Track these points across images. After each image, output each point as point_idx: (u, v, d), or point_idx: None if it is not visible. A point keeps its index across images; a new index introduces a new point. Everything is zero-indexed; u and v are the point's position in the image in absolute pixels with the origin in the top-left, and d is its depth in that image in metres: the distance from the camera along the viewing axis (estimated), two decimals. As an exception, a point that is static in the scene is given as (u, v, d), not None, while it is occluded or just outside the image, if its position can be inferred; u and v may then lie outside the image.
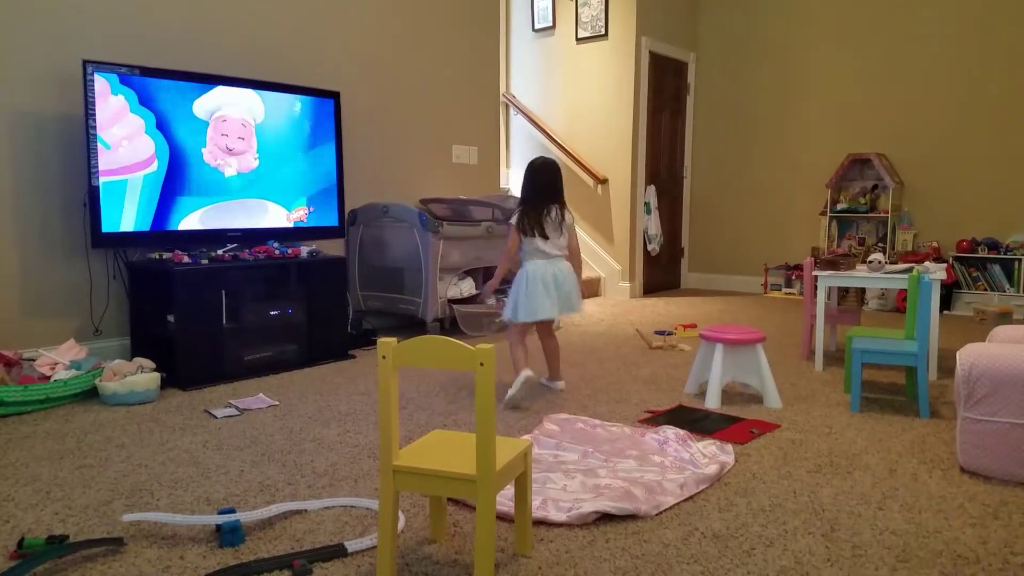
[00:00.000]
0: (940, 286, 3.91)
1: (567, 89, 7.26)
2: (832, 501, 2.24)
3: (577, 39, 7.13)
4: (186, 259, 3.68)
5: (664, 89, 7.25)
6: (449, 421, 3.04)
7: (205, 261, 3.71)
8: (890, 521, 2.10)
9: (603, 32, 6.93)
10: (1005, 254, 5.88)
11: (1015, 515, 2.14)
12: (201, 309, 3.62)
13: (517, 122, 7.63)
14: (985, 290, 5.97)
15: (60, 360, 3.38)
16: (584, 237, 7.21)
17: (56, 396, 3.22)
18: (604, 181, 6.98)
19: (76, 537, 1.98)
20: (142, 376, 3.32)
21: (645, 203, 7.04)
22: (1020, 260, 5.78)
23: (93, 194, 3.51)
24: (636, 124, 6.87)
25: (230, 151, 3.96)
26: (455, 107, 5.70)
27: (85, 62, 3.45)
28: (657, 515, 2.12)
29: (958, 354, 2.48)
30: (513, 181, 7.66)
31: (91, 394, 3.35)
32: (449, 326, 4.85)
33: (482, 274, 5.06)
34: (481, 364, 1.61)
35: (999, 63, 5.98)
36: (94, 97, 3.46)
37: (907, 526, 2.06)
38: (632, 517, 2.10)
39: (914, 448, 2.72)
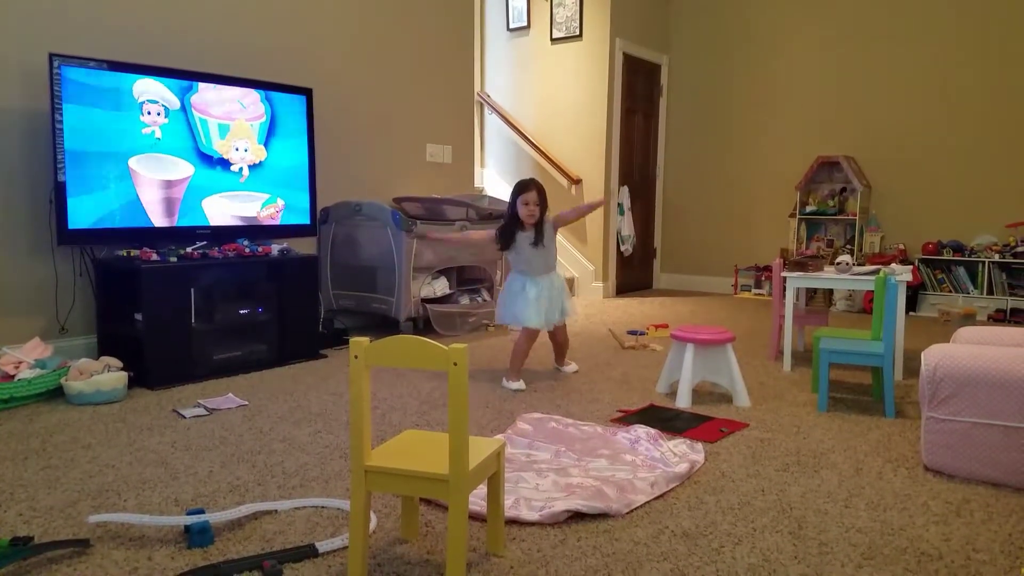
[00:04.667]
0: (906, 288, 3.98)
1: (541, 89, 7.27)
2: (800, 499, 2.27)
3: (552, 39, 7.15)
4: (154, 257, 3.62)
5: (637, 91, 7.30)
6: (422, 421, 3.04)
7: (174, 259, 3.66)
8: (856, 519, 2.13)
9: (578, 33, 6.96)
10: (969, 257, 6.00)
11: (977, 513, 2.19)
12: (169, 308, 3.58)
13: (492, 121, 7.63)
14: (950, 292, 6.09)
15: (24, 359, 3.31)
16: (558, 238, 7.21)
17: (20, 395, 3.16)
18: (578, 181, 7.00)
19: (41, 538, 1.95)
20: (109, 375, 3.27)
21: (618, 204, 7.08)
22: (984, 263, 5.90)
23: (59, 190, 3.45)
24: (610, 125, 6.90)
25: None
26: (429, 105, 5.68)
27: (51, 55, 3.38)
28: (628, 513, 2.14)
29: (923, 355, 2.53)
30: (487, 180, 7.66)
31: (56, 393, 3.29)
32: (423, 326, 4.84)
33: (455, 274, 5.06)
34: (455, 364, 1.61)
35: (967, 69, 6.10)
36: (61, 91, 3.40)
37: (872, 524, 2.10)
38: (603, 516, 2.11)
39: (880, 447, 2.76)
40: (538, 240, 3.67)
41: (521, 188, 3.66)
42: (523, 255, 3.70)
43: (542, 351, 4.28)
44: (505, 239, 3.69)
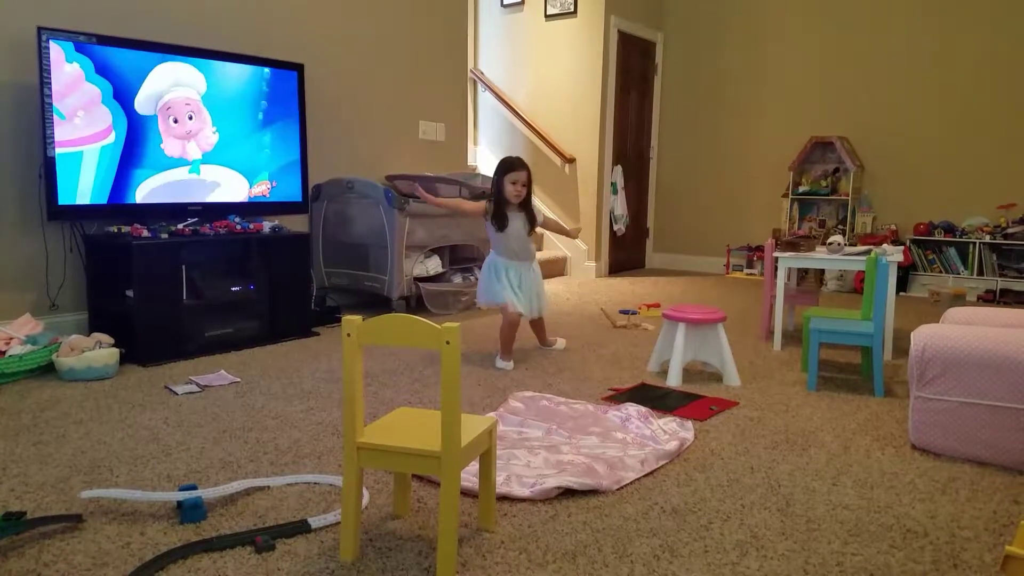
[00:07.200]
0: (897, 268, 4.00)
1: (535, 67, 7.22)
2: (788, 477, 2.29)
3: (546, 16, 7.09)
4: (145, 233, 3.60)
5: (632, 69, 7.25)
6: (414, 399, 3.05)
7: (165, 235, 3.64)
8: (843, 496, 2.16)
9: (572, 9, 6.90)
10: (960, 237, 6.02)
11: (962, 491, 2.21)
12: (161, 284, 3.56)
13: (485, 99, 7.58)
14: (940, 272, 6.12)
15: (15, 335, 3.31)
16: (551, 216, 7.21)
17: (11, 371, 3.15)
18: (572, 160, 6.98)
19: (34, 513, 1.96)
20: (100, 352, 3.26)
21: (612, 183, 7.06)
22: (975, 243, 5.92)
23: (49, 165, 3.42)
24: (604, 103, 6.86)
25: (188, 133, 3.88)
26: (422, 82, 5.64)
27: (40, 29, 3.34)
28: (618, 490, 2.16)
29: (912, 335, 2.54)
30: (480, 158, 7.63)
31: (48, 370, 3.29)
32: (415, 304, 4.84)
33: (448, 252, 5.05)
34: (447, 343, 1.62)
35: (960, 52, 6.09)
36: (49, 65, 3.36)
37: (859, 501, 2.13)
38: (594, 492, 2.13)
39: (868, 426, 2.79)
40: (528, 224, 3.59)
41: (509, 166, 3.51)
42: (505, 240, 3.59)
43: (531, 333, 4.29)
44: (500, 220, 3.54)
